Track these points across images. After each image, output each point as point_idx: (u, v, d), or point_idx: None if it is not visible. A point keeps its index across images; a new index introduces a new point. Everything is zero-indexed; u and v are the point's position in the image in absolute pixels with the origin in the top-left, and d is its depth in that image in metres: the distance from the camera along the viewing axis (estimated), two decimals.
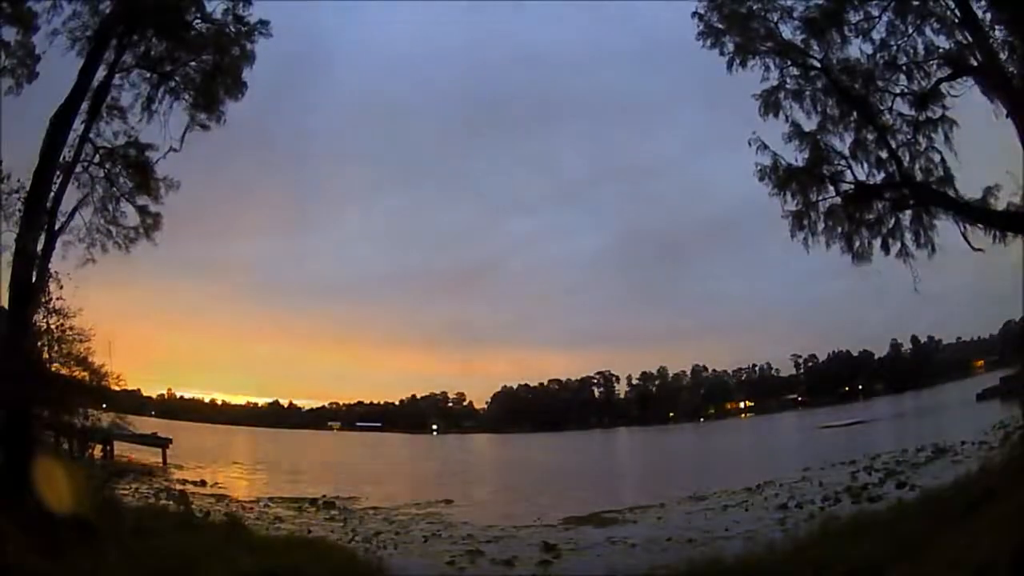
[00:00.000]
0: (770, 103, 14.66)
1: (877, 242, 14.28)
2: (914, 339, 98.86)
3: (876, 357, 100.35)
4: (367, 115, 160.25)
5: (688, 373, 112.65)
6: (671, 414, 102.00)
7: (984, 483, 10.74)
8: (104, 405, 13.69)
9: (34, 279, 11.80)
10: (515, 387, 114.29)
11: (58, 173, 12.42)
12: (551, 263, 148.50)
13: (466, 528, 20.39)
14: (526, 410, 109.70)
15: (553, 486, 34.08)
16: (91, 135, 13.28)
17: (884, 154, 14.09)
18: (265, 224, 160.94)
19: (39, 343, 12.16)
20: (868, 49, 14.06)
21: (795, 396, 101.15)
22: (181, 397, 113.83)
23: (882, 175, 14.23)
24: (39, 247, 12.01)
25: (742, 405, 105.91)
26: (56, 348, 12.30)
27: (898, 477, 22.02)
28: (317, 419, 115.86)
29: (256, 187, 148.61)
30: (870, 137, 14.22)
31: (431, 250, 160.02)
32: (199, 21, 14.12)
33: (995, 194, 13.09)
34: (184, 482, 29.99)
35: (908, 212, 14.18)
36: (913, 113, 14.04)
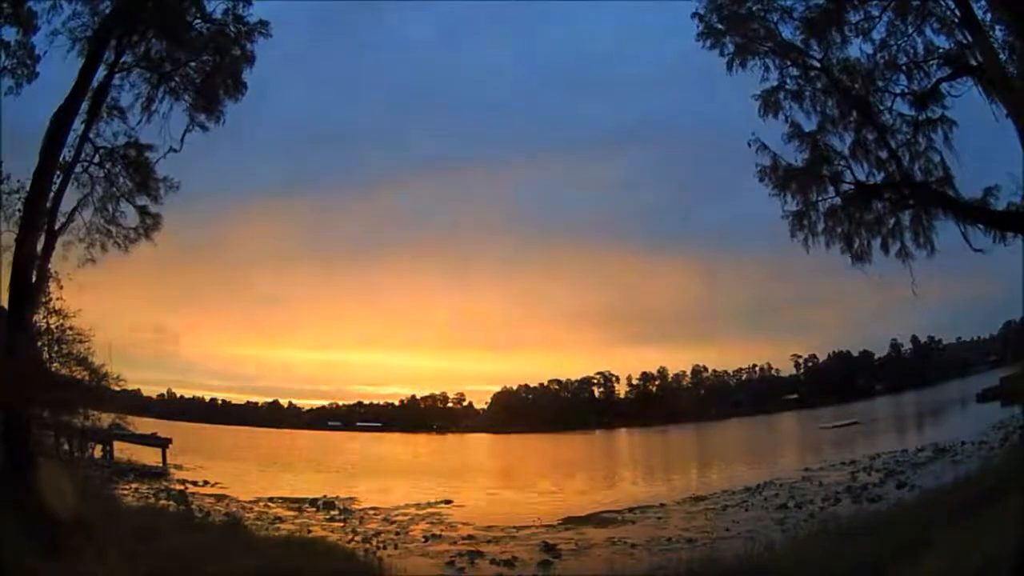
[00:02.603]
0: (770, 103, 14.68)
1: (877, 242, 14.30)
2: (914, 339, 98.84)
3: (876, 357, 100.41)
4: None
5: (688, 373, 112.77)
6: (672, 414, 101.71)
7: (984, 483, 10.73)
8: (104, 405, 13.67)
9: (34, 279, 11.78)
10: (515, 387, 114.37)
11: (58, 173, 12.41)
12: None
13: (466, 528, 20.39)
14: (526, 410, 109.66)
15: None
16: (91, 135, 13.28)
17: (884, 154, 14.10)
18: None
19: (39, 343, 12.15)
20: (868, 49, 14.10)
21: (795, 396, 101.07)
22: (181, 397, 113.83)
23: (882, 175, 14.25)
24: (39, 247, 11.99)
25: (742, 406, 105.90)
26: (56, 348, 12.29)
27: (898, 477, 22.03)
28: (317, 419, 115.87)
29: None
30: (870, 137, 14.22)
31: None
32: (199, 21, 14.12)
33: (995, 194, 13.10)
34: (184, 482, 30.00)
35: (908, 212, 14.18)
36: (913, 113, 14.06)
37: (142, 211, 14.21)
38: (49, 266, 12.20)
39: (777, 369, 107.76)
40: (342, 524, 21.34)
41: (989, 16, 12.63)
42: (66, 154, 12.55)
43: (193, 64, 14.22)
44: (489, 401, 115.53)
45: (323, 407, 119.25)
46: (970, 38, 12.93)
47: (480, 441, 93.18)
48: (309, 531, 19.00)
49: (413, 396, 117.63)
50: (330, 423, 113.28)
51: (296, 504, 25.53)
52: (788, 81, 14.61)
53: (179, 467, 36.91)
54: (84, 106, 12.76)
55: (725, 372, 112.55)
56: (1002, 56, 12.62)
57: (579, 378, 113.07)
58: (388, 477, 40.92)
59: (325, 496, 27.51)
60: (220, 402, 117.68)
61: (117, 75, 13.48)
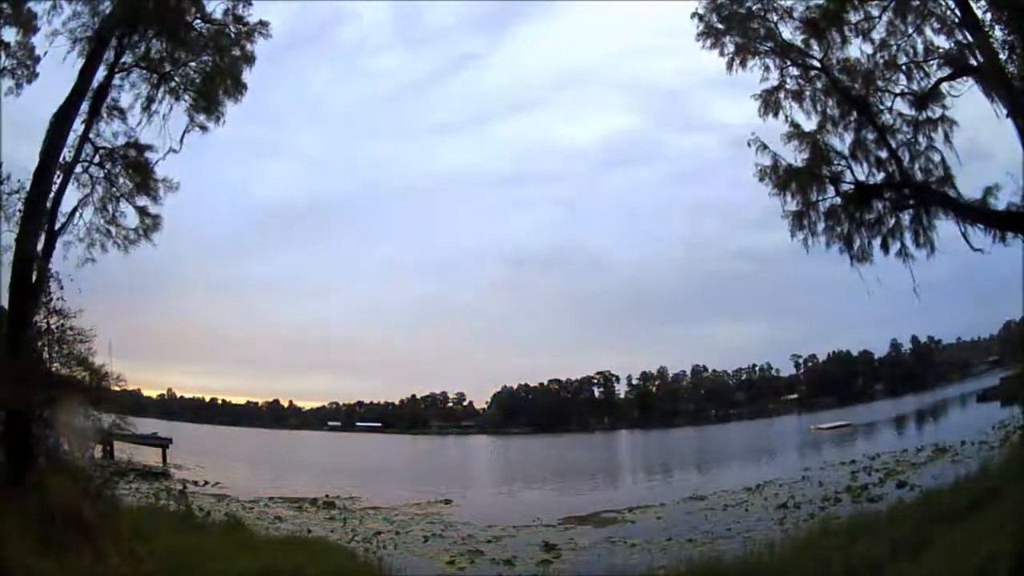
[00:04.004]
0: (770, 103, 14.68)
1: (877, 242, 14.29)
2: (914, 339, 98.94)
3: (876, 357, 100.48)
4: None
5: (688, 373, 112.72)
6: (672, 414, 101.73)
7: (984, 483, 10.74)
8: (104, 405, 13.66)
9: (34, 279, 11.77)
10: (515, 387, 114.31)
11: (58, 173, 12.38)
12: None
13: (466, 528, 20.38)
14: (526, 410, 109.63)
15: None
16: (91, 135, 13.23)
17: (884, 154, 14.10)
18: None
19: (39, 343, 12.13)
20: (868, 49, 14.08)
21: (795, 396, 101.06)
22: (181, 397, 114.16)
23: (882, 175, 14.25)
24: (39, 247, 11.98)
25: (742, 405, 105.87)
26: (56, 348, 12.25)
27: (898, 477, 22.03)
28: (317, 419, 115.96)
29: None
30: (870, 137, 14.22)
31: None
32: (199, 21, 14.08)
33: (995, 194, 13.08)
34: (184, 481, 30.02)
35: (908, 212, 14.18)
36: (913, 113, 14.05)
37: (142, 211, 14.19)
38: (49, 266, 12.18)
39: (777, 369, 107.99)
40: (342, 524, 21.34)
41: (989, 16, 12.64)
42: (66, 154, 12.53)
43: (193, 64, 14.20)
44: (489, 401, 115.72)
45: (323, 407, 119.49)
46: (970, 38, 12.93)
47: (480, 441, 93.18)
48: (309, 531, 19.00)
49: (413, 396, 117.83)
50: (330, 423, 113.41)
51: (296, 504, 25.56)
52: (788, 81, 14.63)
53: (179, 467, 36.97)
54: (84, 106, 12.74)
55: (725, 372, 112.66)
56: (1002, 56, 12.61)
57: (579, 378, 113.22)
58: (388, 477, 40.97)
59: (325, 496, 27.53)
60: (220, 402, 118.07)
61: (117, 75, 13.44)
